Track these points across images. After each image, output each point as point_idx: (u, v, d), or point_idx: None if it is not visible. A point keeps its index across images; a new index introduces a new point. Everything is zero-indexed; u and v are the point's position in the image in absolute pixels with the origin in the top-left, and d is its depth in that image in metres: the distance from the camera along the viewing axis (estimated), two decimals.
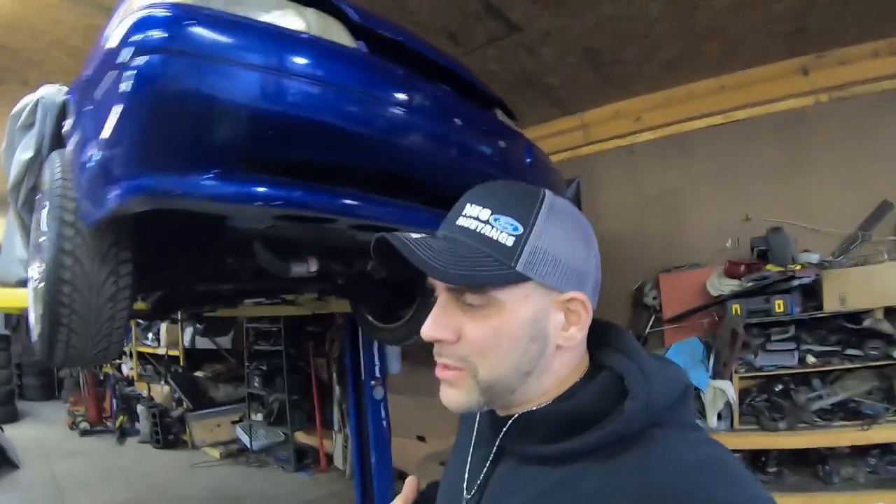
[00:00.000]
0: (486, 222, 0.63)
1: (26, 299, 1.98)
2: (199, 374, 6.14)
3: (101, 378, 7.33)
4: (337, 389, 4.83)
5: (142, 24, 1.10)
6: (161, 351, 6.38)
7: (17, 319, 7.47)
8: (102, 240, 1.46)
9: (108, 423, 6.80)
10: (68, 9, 2.72)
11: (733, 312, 3.05)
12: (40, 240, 1.68)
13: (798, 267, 3.06)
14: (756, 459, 3.07)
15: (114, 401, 6.86)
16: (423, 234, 0.64)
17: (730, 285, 3.16)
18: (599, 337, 0.69)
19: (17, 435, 6.05)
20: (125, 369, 7.18)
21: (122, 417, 6.44)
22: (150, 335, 6.63)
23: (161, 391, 6.32)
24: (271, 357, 5.30)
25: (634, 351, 0.67)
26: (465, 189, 1.36)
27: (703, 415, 3.03)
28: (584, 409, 0.63)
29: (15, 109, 2.30)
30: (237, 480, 4.90)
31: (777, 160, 3.37)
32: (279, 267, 1.71)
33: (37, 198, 1.84)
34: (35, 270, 1.74)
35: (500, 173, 1.76)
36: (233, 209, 1.28)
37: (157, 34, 1.08)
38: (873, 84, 3.12)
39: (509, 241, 0.62)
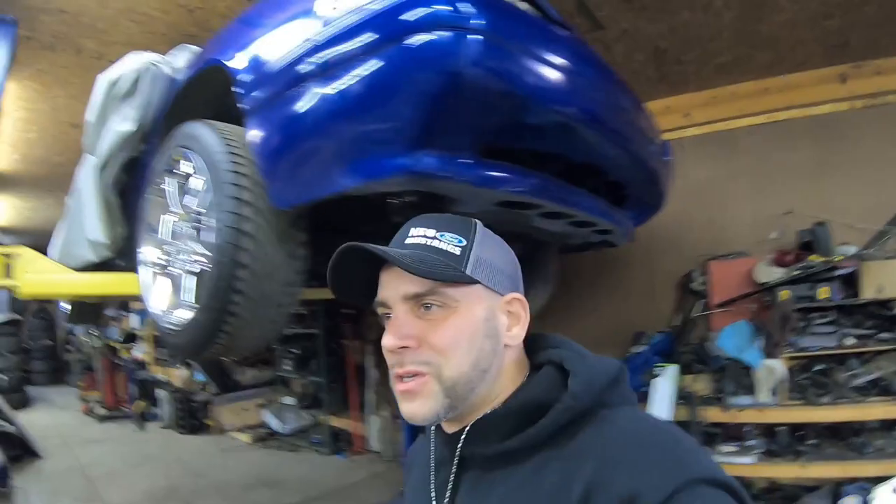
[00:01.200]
0: (434, 237, 0.72)
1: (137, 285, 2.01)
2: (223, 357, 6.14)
3: (118, 363, 7.23)
4: (373, 372, 4.95)
5: (452, 2, 1.09)
6: None
7: (23, 303, 7.30)
8: (285, 221, 1.46)
9: (125, 409, 6.75)
10: None
11: (783, 298, 3.33)
12: (182, 222, 1.67)
13: (839, 258, 3.36)
14: (795, 432, 3.37)
15: (131, 386, 6.79)
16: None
17: (777, 273, 3.45)
18: (532, 345, 0.78)
19: (32, 421, 5.97)
20: (137, 353, 7.10)
21: (141, 403, 6.39)
22: None
23: (180, 375, 6.31)
24: (304, 340, 5.37)
25: (567, 343, 0.76)
26: (634, 182, 1.55)
27: (753, 391, 3.33)
28: (534, 400, 0.70)
29: (111, 76, 2.24)
30: (273, 464, 4.97)
31: (814, 159, 3.66)
32: None
33: (169, 177, 1.80)
34: (175, 255, 1.73)
35: (660, 168, 1.96)
36: (472, 192, 1.35)
37: (469, 10, 1.09)
38: None
39: (457, 251, 0.72)
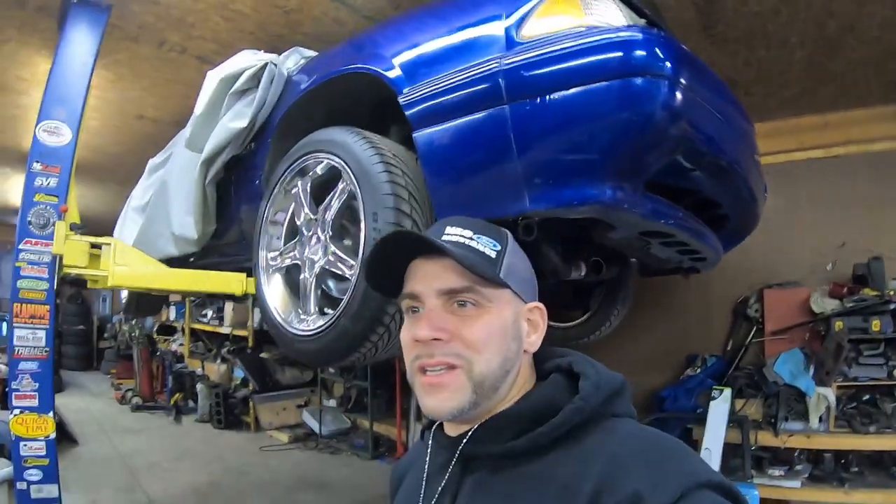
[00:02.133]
0: (471, 238, 0.75)
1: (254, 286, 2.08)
2: (264, 355, 6.28)
3: (157, 354, 7.38)
4: None
5: (652, 47, 1.23)
6: (225, 330, 6.49)
7: (58, 288, 7.49)
8: None
9: (160, 400, 6.88)
10: None
11: (837, 329, 3.44)
12: (318, 227, 1.74)
13: (892, 293, 3.46)
14: (840, 459, 3.46)
15: (168, 378, 6.94)
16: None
17: (832, 304, 3.56)
18: (539, 356, 0.80)
19: (67, 406, 6.05)
20: (174, 345, 7.25)
21: (177, 395, 6.53)
22: (208, 313, 6.73)
23: (217, 370, 6.44)
24: None
25: (575, 353, 0.78)
26: (739, 209, 1.62)
27: (803, 417, 3.43)
28: (544, 402, 0.72)
29: (228, 72, 2.30)
30: (315, 466, 5.01)
31: (870, 194, 3.79)
32: (563, 270, 1.90)
33: (301, 179, 1.86)
34: (306, 259, 1.79)
35: (761, 199, 2.09)
36: (634, 223, 1.46)
37: (673, 66, 1.22)
38: None
39: (492, 254, 0.75)
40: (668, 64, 1.21)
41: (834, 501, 3.30)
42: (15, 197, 7.48)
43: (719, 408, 3.43)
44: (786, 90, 3.57)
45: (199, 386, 6.21)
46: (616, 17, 1.31)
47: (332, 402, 5.77)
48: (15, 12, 3.14)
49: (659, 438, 0.67)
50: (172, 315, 7.55)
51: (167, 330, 7.59)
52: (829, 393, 3.40)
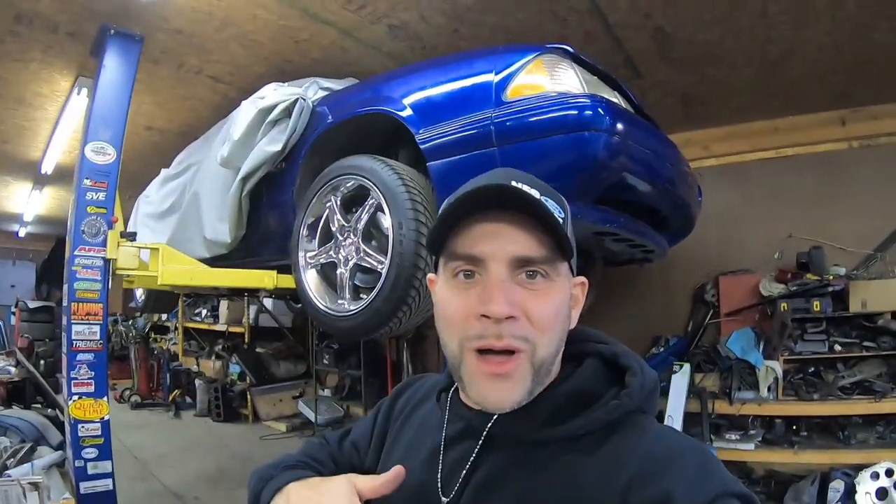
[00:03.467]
0: (543, 199, 0.68)
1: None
2: (259, 350, 6.83)
3: (154, 353, 7.88)
4: (409, 367, 5.69)
5: (595, 110, 1.84)
6: (220, 327, 7.02)
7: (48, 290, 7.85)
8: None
9: (156, 397, 7.38)
10: (272, 7, 3.16)
11: (782, 309, 4.13)
12: (350, 232, 2.34)
13: (831, 277, 4.16)
14: (790, 426, 4.14)
15: (166, 375, 7.45)
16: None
17: (778, 288, 4.25)
18: (571, 335, 0.75)
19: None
20: (167, 344, 7.76)
21: (175, 392, 7.05)
22: (203, 311, 7.25)
23: (212, 366, 6.98)
24: None
25: (614, 340, 0.76)
26: (676, 217, 2.34)
27: (757, 387, 4.11)
28: (584, 390, 0.70)
29: (265, 104, 2.85)
30: None
31: (814, 191, 4.46)
32: None
33: (334, 195, 2.43)
34: (341, 257, 2.36)
35: (694, 206, 2.74)
36: (587, 226, 2.07)
37: (609, 121, 1.84)
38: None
39: (560, 218, 0.68)
40: (606, 121, 1.83)
41: (784, 461, 3.99)
42: (12, 205, 8.01)
43: (680, 381, 4.09)
44: (736, 101, 4.22)
45: (197, 382, 6.75)
46: (575, 85, 1.92)
47: (327, 392, 6.36)
48: (43, 35, 3.57)
49: (691, 442, 0.67)
50: (164, 315, 8.05)
51: (160, 330, 8.08)
52: (777, 366, 4.08)
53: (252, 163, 2.83)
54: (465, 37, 3.34)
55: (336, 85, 3.17)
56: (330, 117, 2.64)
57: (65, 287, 3.11)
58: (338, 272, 2.42)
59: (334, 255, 2.45)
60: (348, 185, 2.40)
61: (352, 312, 2.29)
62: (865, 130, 4.35)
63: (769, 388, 4.09)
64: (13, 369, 5.67)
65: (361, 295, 2.33)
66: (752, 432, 4.11)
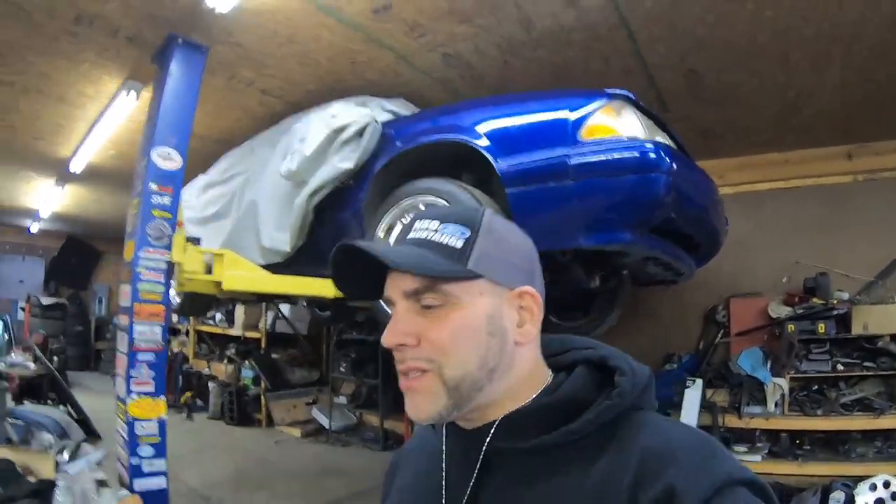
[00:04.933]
0: (436, 231, 0.75)
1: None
2: (275, 356, 7.09)
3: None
4: None
5: (659, 154, 2.25)
6: (236, 332, 7.26)
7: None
8: None
9: (167, 398, 7.55)
10: (338, 30, 3.41)
11: (790, 330, 4.52)
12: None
13: (835, 301, 4.58)
14: (794, 440, 4.52)
15: (178, 377, 7.66)
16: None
17: (786, 311, 4.66)
18: (558, 345, 0.83)
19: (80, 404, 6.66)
20: (178, 348, 7.97)
21: (187, 394, 7.27)
22: (216, 315, 7.48)
23: (224, 370, 7.21)
24: (360, 345, 6.37)
25: (601, 344, 0.81)
26: (707, 242, 2.80)
27: (764, 403, 4.49)
28: (574, 396, 0.74)
29: (337, 124, 3.18)
30: (330, 457, 5.84)
31: (821, 220, 4.92)
32: (586, 281, 2.96)
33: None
34: None
35: (723, 232, 3.12)
36: (642, 252, 2.50)
37: (669, 163, 2.25)
38: None
39: (459, 244, 0.74)
40: (666, 164, 2.25)
41: (789, 473, 4.35)
42: (30, 200, 8.18)
43: (693, 395, 4.48)
44: (752, 136, 4.69)
45: (210, 385, 6.97)
46: (639, 129, 2.33)
47: (343, 400, 6.64)
48: (102, 38, 3.69)
49: (692, 433, 0.70)
50: (175, 318, 8.24)
51: (171, 332, 8.25)
52: (783, 383, 4.49)
53: (322, 178, 3.13)
54: (514, 68, 3.73)
55: (396, 107, 3.53)
56: (399, 141, 2.98)
57: (127, 287, 3.28)
58: None
59: None
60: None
61: None
62: (870, 165, 4.83)
63: (776, 404, 4.50)
64: (32, 365, 5.85)
65: None
66: (758, 445, 4.51)
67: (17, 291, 10.10)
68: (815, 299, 4.64)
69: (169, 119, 3.43)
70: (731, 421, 4.54)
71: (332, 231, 3.36)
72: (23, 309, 9.51)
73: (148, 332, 3.24)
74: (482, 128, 2.62)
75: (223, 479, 5.12)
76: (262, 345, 7.18)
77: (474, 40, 3.46)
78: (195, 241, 3.39)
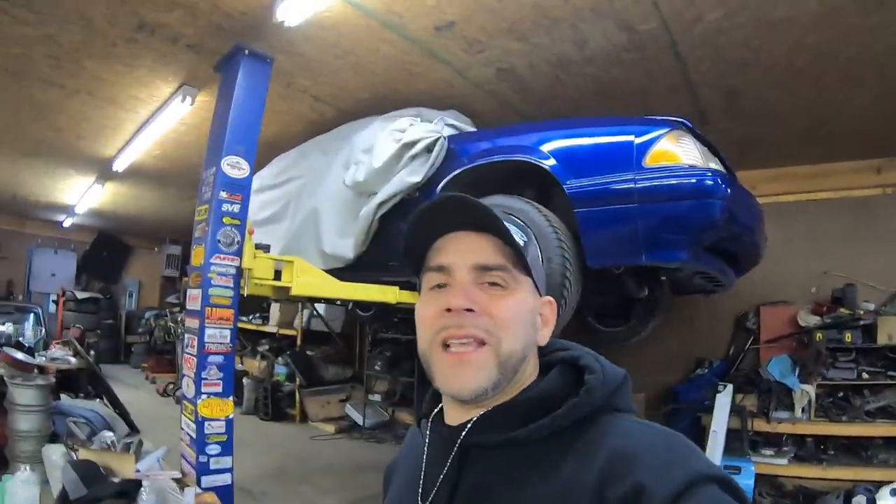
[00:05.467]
0: (504, 222, 0.80)
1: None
2: (310, 353, 7.35)
3: None
4: None
5: (715, 181, 2.51)
6: (271, 329, 7.51)
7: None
8: (583, 272, 2.78)
9: None
10: (398, 43, 3.62)
11: (818, 339, 4.75)
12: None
13: (861, 312, 4.80)
14: (820, 445, 4.76)
15: None
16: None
17: (814, 319, 4.89)
18: (542, 348, 0.87)
19: None
20: None
21: None
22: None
23: (258, 365, 7.46)
24: (395, 344, 6.62)
25: (578, 346, 0.86)
26: (749, 256, 3.04)
27: (792, 408, 4.72)
28: (548, 393, 0.78)
29: (407, 139, 3.40)
30: (365, 453, 6.02)
31: (849, 232, 5.15)
32: (636, 291, 3.19)
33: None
34: None
35: (763, 246, 3.34)
36: (695, 268, 2.75)
37: (724, 189, 2.50)
38: None
39: (521, 242, 0.82)
40: (722, 190, 2.52)
41: (813, 476, 4.60)
42: (67, 197, 8.44)
43: (723, 400, 4.72)
44: (785, 149, 4.91)
45: (245, 380, 7.20)
46: (696, 158, 2.57)
47: (377, 397, 6.90)
48: (162, 45, 3.86)
49: (662, 432, 0.71)
50: None
51: None
52: (811, 389, 4.72)
53: (391, 190, 3.35)
54: (564, 83, 3.98)
55: (454, 119, 3.75)
56: (465, 158, 3.22)
57: (196, 292, 3.46)
58: None
59: None
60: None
61: None
62: None
63: (803, 410, 4.73)
64: (73, 359, 6.05)
65: None
66: (785, 449, 4.76)
67: (49, 285, 10.44)
68: (842, 309, 4.87)
69: (237, 128, 3.58)
70: (760, 425, 4.78)
71: (393, 240, 3.59)
72: (54, 302, 9.83)
73: (217, 336, 3.41)
74: (548, 148, 2.87)
75: (262, 474, 5.27)
76: (298, 342, 7.43)
77: (529, 56, 3.69)
78: (265, 248, 3.59)
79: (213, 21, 3.54)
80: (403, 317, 6.32)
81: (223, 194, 3.49)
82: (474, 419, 0.78)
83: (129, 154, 6.03)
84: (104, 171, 6.88)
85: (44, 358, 5.93)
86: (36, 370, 4.79)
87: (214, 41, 3.76)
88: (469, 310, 0.76)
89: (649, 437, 0.70)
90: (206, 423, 3.34)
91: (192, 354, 3.46)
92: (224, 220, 3.46)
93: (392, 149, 3.38)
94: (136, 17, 3.54)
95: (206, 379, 3.37)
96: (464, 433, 0.78)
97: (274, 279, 3.52)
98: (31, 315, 8.54)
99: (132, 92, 4.75)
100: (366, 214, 3.54)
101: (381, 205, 3.47)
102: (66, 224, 10.34)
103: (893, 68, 3.55)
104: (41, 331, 7.42)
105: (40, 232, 10.88)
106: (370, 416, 6.80)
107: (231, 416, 3.47)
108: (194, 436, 3.37)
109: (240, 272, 3.46)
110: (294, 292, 3.51)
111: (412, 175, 3.31)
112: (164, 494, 2.76)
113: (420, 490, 0.81)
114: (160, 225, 10.76)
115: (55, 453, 3.28)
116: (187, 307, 3.63)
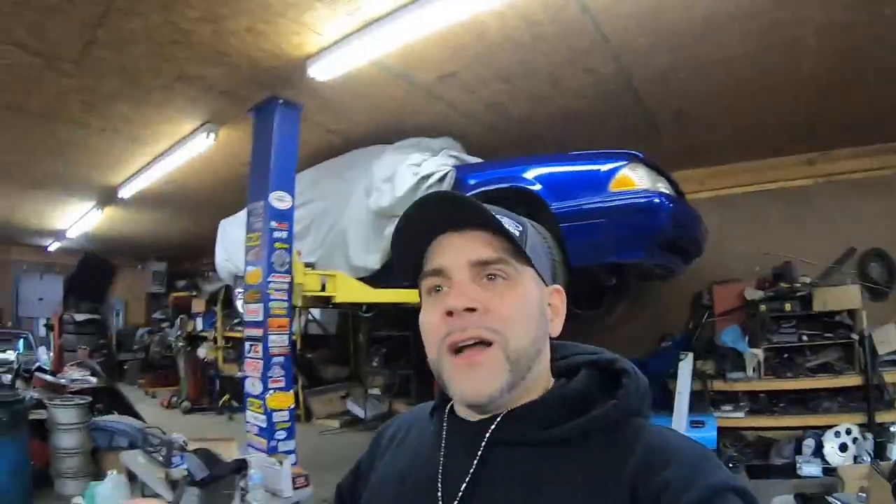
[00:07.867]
0: (496, 214, 0.82)
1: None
2: (309, 356, 8.42)
3: (204, 360, 9.29)
4: None
5: (661, 200, 3.68)
6: None
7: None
8: (568, 272, 4.03)
9: (204, 403, 8.79)
10: (405, 88, 4.58)
11: (762, 310, 6.02)
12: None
13: (799, 285, 6.04)
14: (771, 399, 5.90)
15: (216, 382, 8.88)
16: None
17: (759, 294, 6.15)
18: (559, 350, 0.92)
19: None
20: (201, 353, 9.16)
21: (225, 396, 8.54)
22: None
23: None
24: (391, 340, 7.75)
25: (601, 350, 0.89)
26: (693, 249, 4.48)
27: (744, 369, 6.03)
28: (580, 395, 0.81)
29: (423, 171, 4.43)
30: None
31: (787, 218, 6.36)
32: (607, 280, 4.45)
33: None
34: None
35: (703, 240, 4.65)
36: (652, 262, 3.99)
37: (668, 205, 3.67)
38: (853, 174, 6.18)
39: (516, 232, 0.82)
40: (667, 205, 3.68)
41: (768, 426, 5.67)
42: (59, 222, 9.13)
43: (686, 366, 5.86)
44: (727, 150, 6.20)
45: None
46: (647, 183, 3.74)
47: (377, 391, 8.04)
48: (196, 93, 4.59)
49: (690, 441, 0.77)
50: (200, 325, 9.48)
51: (195, 339, 9.44)
52: (759, 352, 5.85)
53: None
54: (539, 113, 5.13)
55: (447, 145, 4.91)
56: (469, 185, 4.40)
57: (255, 306, 4.38)
58: None
59: None
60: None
61: None
62: (828, 170, 6.29)
63: (754, 370, 5.88)
64: (94, 379, 6.84)
65: None
66: (741, 404, 5.91)
67: (37, 310, 11.09)
68: (782, 283, 6.04)
69: (278, 168, 4.57)
70: (718, 385, 5.92)
71: None
72: (45, 326, 10.55)
73: (278, 340, 4.35)
74: (534, 176, 4.06)
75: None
76: (298, 346, 8.30)
77: (512, 94, 4.80)
78: (311, 266, 4.69)
79: (251, 76, 4.30)
80: (398, 316, 7.30)
81: (273, 223, 4.48)
82: (502, 414, 0.81)
83: (138, 183, 6.79)
84: (107, 198, 7.59)
85: (64, 380, 6.77)
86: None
87: (246, 90, 4.58)
88: (470, 309, 0.78)
89: (681, 440, 0.76)
90: (273, 414, 4.23)
91: (256, 358, 4.38)
92: (276, 245, 4.47)
93: (411, 181, 4.52)
94: (177, 70, 4.19)
95: (272, 377, 4.23)
96: (492, 428, 0.80)
97: (321, 290, 4.58)
98: (22, 340, 9.26)
99: (157, 129, 5.52)
100: (390, 234, 4.66)
101: None
102: (52, 248, 10.93)
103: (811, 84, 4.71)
104: (50, 357, 8.15)
105: (25, 257, 11.53)
106: (370, 409, 7.81)
107: (292, 406, 4.34)
108: (264, 425, 4.22)
109: (291, 287, 4.45)
110: (338, 299, 4.60)
111: None
112: (266, 468, 3.46)
113: (440, 483, 0.82)
114: (150, 244, 11.39)
115: (135, 458, 3.97)
116: (246, 319, 4.58)
